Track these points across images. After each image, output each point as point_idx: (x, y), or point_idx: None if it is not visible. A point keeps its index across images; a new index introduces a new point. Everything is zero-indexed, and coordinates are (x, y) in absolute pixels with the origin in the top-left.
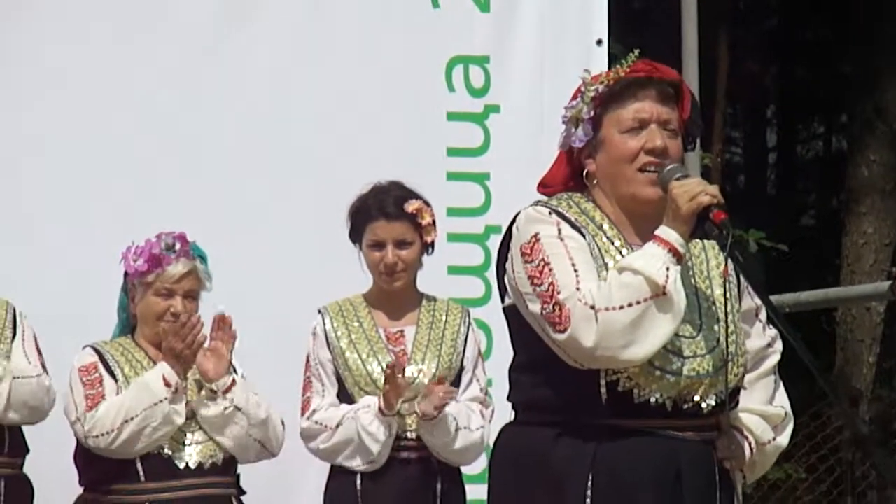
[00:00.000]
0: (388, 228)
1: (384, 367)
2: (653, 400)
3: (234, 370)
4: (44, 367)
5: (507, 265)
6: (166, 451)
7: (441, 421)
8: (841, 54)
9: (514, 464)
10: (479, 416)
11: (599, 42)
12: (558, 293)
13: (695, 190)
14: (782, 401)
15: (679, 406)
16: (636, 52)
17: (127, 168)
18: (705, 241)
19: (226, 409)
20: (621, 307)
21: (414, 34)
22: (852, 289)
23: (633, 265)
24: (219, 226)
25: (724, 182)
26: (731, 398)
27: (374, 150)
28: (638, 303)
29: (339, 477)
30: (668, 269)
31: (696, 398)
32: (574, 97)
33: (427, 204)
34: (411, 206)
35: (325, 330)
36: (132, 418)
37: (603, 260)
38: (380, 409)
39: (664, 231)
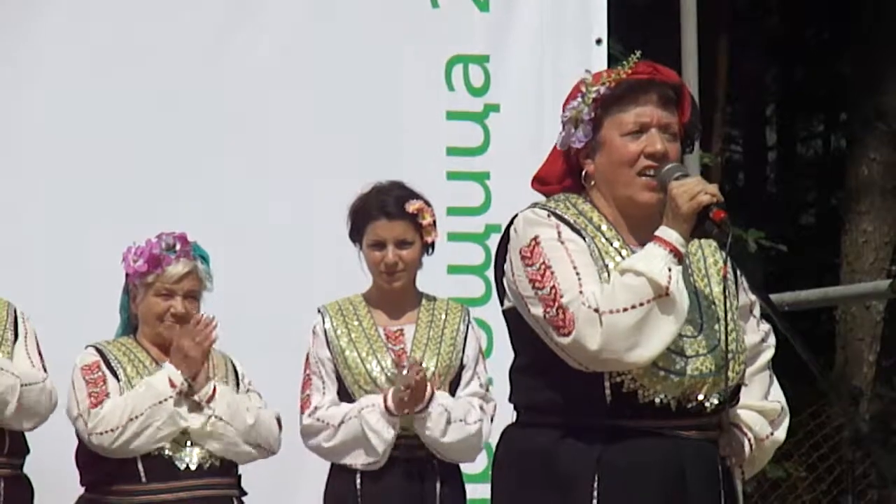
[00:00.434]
0: (388, 228)
1: (384, 365)
2: (657, 400)
3: (235, 370)
4: (45, 368)
5: (506, 268)
6: (167, 451)
7: (430, 413)
8: (840, 53)
9: (517, 465)
10: (477, 411)
11: (599, 41)
12: (561, 297)
13: (694, 189)
14: (777, 395)
15: (683, 405)
16: (637, 53)
17: (126, 168)
18: (701, 240)
19: (209, 418)
20: (625, 309)
21: (413, 33)
22: (852, 287)
23: (634, 266)
24: (219, 225)
25: (724, 181)
26: (732, 396)
27: (374, 149)
28: (641, 304)
29: (339, 476)
30: (669, 269)
31: (700, 397)
32: (573, 96)
33: (428, 204)
34: (412, 206)
35: (324, 329)
36: (136, 416)
37: (603, 261)
38: (386, 408)
39: (664, 231)
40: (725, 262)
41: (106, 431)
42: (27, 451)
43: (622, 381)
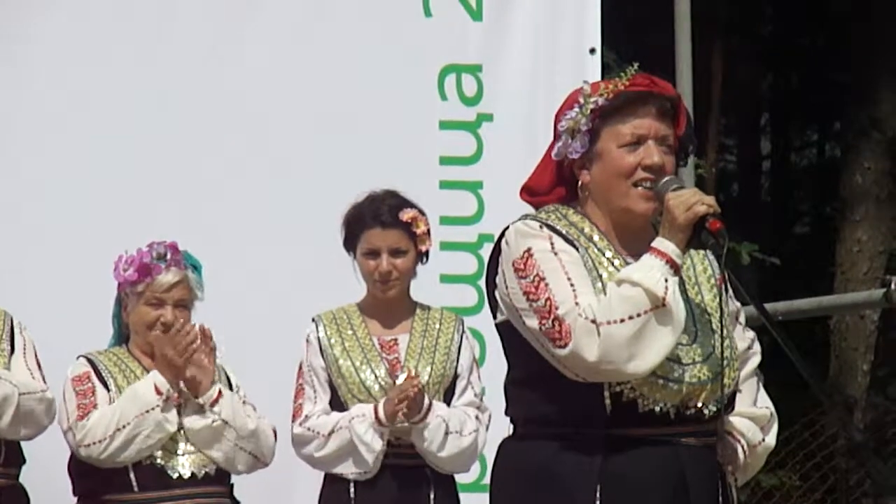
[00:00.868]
0: (382, 237)
1: (378, 374)
2: (657, 408)
3: (228, 379)
4: (44, 379)
5: (498, 281)
6: (159, 461)
7: (428, 424)
8: (835, 62)
9: (516, 478)
10: (472, 421)
11: (593, 50)
12: (556, 308)
13: (691, 200)
14: (765, 401)
15: (682, 413)
16: (635, 65)
17: (123, 177)
18: (690, 250)
19: (213, 422)
20: (622, 320)
21: (406, 43)
22: (846, 296)
23: (631, 277)
24: (214, 234)
25: (718, 190)
26: (729, 403)
27: (367, 158)
28: (638, 315)
29: (332, 484)
30: (666, 280)
31: (699, 404)
32: (569, 106)
33: (422, 213)
34: (406, 214)
35: (318, 338)
36: (124, 426)
37: (597, 272)
38: (377, 418)
39: (661, 242)
40: (722, 272)
41: (93, 443)
42: (23, 461)
43: (622, 390)
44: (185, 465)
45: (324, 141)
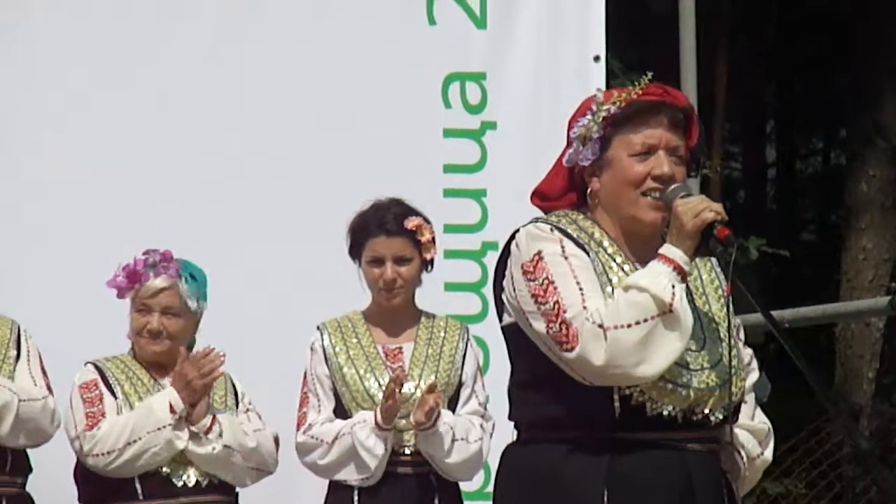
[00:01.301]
0: (387, 244)
1: (382, 382)
2: (665, 413)
3: (234, 387)
4: (49, 387)
5: (506, 283)
6: (164, 469)
7: (437, 431)
8: (840, 70)
9: (522, 483)
10: (477, 429)
11: (597, 58)
12: (564, 312)
13: (699, 207)
14: (762, 416)
15: (689, 418)
16: (649, 74)
17: (125, 182)
18: (696, 259)
19: (213, 449)
20: (629, 325)
21: (410, 51)
22: (851, 304)
23: (638, 283)
24: (219, 242)
25: (724, 197)
26: (735, 412)
27: (371, 166)
28: (646, 320)
29: (337, 492)
30: (673, 286)
31: (706, 410)
32: (582, 113)
33: (427, 221)
34: (411, 222)
35: (323, 346)
36: (135, 441)
37: (607, 276)
38: (377, 423)
39: (668, 249)
40: (729, 279)
41: (102, 454)
42: (30, 469)
43: (631, 394)
44: (190, 474)
45: (327, 148)
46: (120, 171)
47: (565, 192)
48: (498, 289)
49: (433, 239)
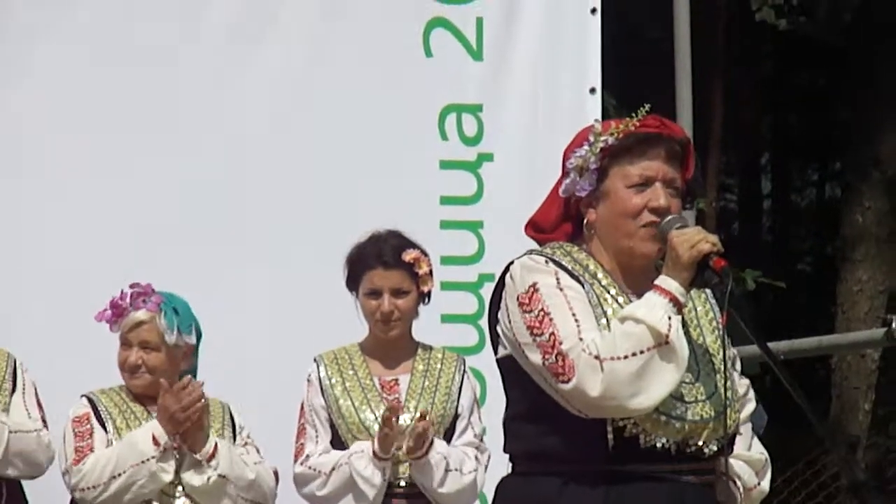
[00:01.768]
0: (385, 277)
1: (378, 414)
2: (658, 445)
3: (232, 419)
4: (44, 420)
5: (501, 315)
6: (154, 503)
7: (429, 461)
8: (835, 101)
9: None
10: (472, 461)
11: (593, 90)
12: (560, 343)
13: (695, 238)
14: (758, 447)
15: (682, 449)
16: (647, 106)
17: (125, 215)
18: (691, 291)
19: (209, 478)
20: (626, 357)
21: (407, 83)
22: (847, 336)
23: (634, 314)
24: (217, 274)
25: (720, 229)
26: (730, 443)
27: (368, 198)
28: (642, 352)
29: None
30: (669, 317)
31: (700, 442)
32: (579, 143)
33: (424, 254)
34: (409, 255)
35: (319, 378)
36: (119, 475)
37: (602, 308)
38: (374, 453)
39: (664, 280)
40: (724, 310)
41: (88, 488)
42: (25, 502)
43: (625, 425)
44: None
45: (324, 180)
46: (118, 200)
47: (560, 222)
48: (493, 321)
49: (430, 272)
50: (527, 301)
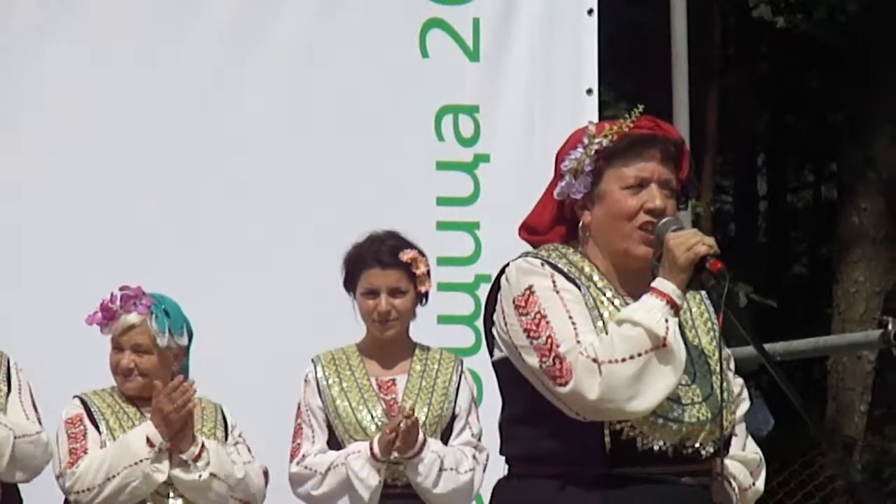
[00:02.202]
0: (382, 277)
1: (374, 415)
2: (656, 447)
3: (225, 419)
4: (40, 421)
5: (497, 318)
6: (148, 503)
7: (423, 459)
8: (831, 103)
9: None
10: (469, 460)
11: (590, 91)
12: (557, 346)
13: (691, 240)
14: (753, 447)
15: (679, 452)
16: (640, 107)
17: (121, 217)
18: (687, 294)
19: (200, 476)
20: (623, 360)
21: (403, 83)
22: (843, 337)
23: (632, 317)
24: (214, 273)
25: (715, 230)
26: (726, 445)
27: (365, 198)
28: (640, 355)
29: None
30: (667, 320)
31: (696, 444)
32: (572, 145)
33: (422, 254)
34: (406, 255)
35: (316, 378)
36: (113, 476)
37: (598, 311)
38: (372, 454)
39: (661, 283)
40: (723, 312)
41: (83, 490)
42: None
43: (621, 428)
44: None
45: (321, 181)
46: (117, 200)
47: (554, 224)
48: (488, 323)
49: (428, 272)
50: (523, 304)
